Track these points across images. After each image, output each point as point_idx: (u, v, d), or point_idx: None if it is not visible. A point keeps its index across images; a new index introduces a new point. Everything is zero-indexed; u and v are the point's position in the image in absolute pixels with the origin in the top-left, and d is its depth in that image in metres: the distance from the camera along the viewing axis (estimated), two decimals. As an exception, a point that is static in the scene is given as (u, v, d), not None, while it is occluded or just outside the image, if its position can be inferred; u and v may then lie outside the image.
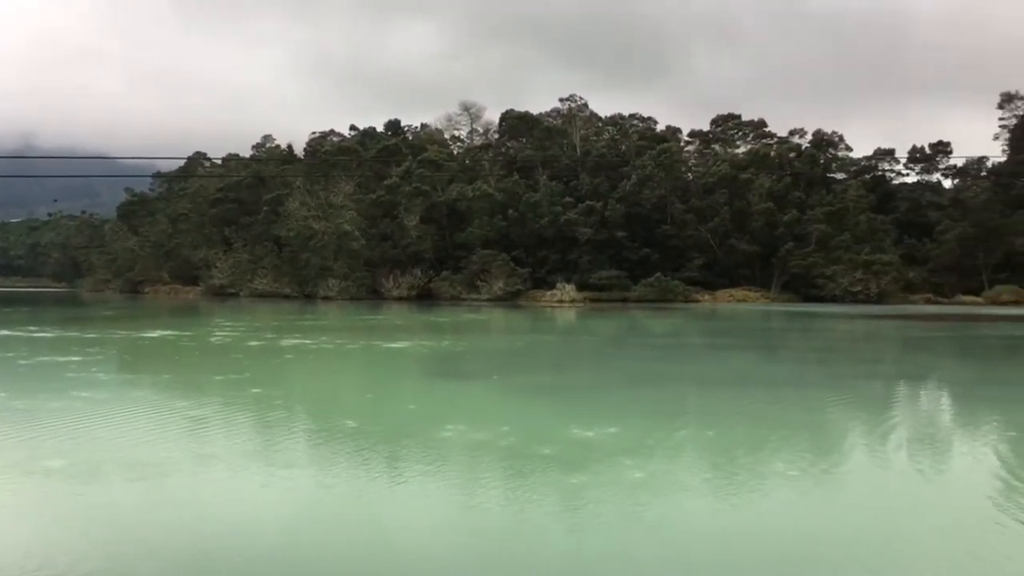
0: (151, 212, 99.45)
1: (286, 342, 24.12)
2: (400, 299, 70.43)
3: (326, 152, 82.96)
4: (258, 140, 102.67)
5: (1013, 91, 76.06)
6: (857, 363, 20.89)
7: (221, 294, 79.33)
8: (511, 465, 8.20)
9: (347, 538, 6.00)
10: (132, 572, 5.32)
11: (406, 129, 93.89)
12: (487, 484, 7.51)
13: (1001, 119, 77.33)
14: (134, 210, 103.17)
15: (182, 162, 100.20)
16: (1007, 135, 76.12)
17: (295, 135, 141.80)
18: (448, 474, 7.89)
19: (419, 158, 77.18)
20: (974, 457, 9.19)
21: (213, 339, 25.89)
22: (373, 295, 73.19)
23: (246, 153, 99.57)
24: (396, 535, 6.09)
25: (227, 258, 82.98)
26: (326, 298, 72.22)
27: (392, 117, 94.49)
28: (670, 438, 9.56)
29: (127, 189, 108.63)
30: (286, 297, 75.39)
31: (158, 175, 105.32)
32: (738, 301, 65.69)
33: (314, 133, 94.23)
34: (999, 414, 12.16)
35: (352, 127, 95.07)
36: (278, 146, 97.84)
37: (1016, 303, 60.92)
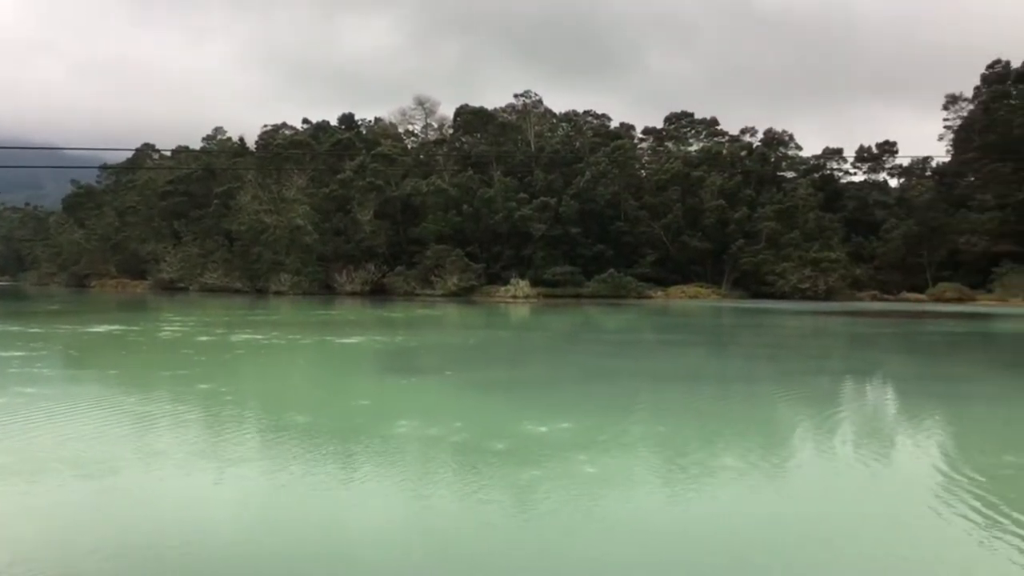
0: (98, 204, 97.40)
1: (237, 337, 23.84)
2: (353, 294, 69.97)
3: (278, 145, 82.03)
4: (209, 132, 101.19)
5: (957, 93, 77.85)
6: (806, 359, 21.24)
7: (170, 288, 78.08)
8: (464, 460, 8.22)
9: (300, 536, 5.96)
10: (81, 573, 5.24)
11: (360, 123, 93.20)
12: (440, 480, 7.52)
13: (946, 120, 79.16)
14: (80, 202, 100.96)
15: (130, 154, 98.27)
16: (951, 136, 77.92)
17: (247, 128, 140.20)
18: (401, 470, 7.88)
19: (373, 152, 76.74)
20: (917, 451, 9.42)
21: (162, 334, 25.49)
22: (326, 290, 72.64)
23: (196, 145, 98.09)
24: (349, 532, 6.07)
25: (176, 252, 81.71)
26: (278, 293, 71.48)
27: (346, 111, 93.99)
28: (623, 433, 9.65)
29: (73, 181, 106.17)
30: (237, 292, 74.46)
31: (105, 167, 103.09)
32: (690, 297, 66.40)
33: (266, 126, 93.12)
34: (941, 409, 12.47)
35: (305, 120, 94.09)
36: (229, 139, 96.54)
37: (959, 300, 62.45)
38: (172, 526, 6.17)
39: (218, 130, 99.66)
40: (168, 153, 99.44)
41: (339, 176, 75.79)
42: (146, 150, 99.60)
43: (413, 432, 9.49)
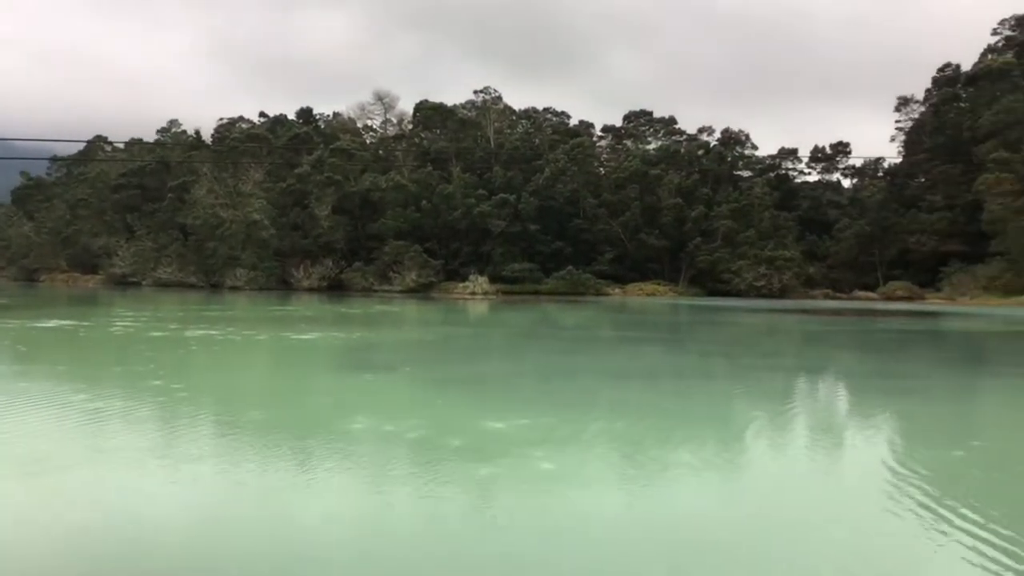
0: (48, 197, 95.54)
1: (191, 333, 23.54)
2: (311, 290, 69.45)
3: (235, 139, 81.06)
4: (163, 125, 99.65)
5: (909, 95, 79.39)
6: (760, 356, 21.54)
7: (123, 283, 76.83)
8: (421, 457, 8.21)
9: (255, 533, 5.92)
10: (27, 573, 5.15)
11: (318, 117, 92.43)
12: (397, 476, 7.51)
13: (897, 122, 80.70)
14: (30, 194, 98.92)
15: (81, 146, 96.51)
16: (902, 137, 79.45)
17: (202, 121, 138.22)
18: (357, 467, 7.85)
19: (331, 147, 76.20)
20: (867, 446, 9.61)
21: (113, 329, 25.09)
22: (283, 286, 72.02)
23: (150, 138, 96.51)
24: (305, 529, 6.04)
25: (129, 246, 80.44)
26: (234, 288, 70.69)
27: (304, 105, 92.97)
28: (580, 430, 9.71)
29: (22, 172, 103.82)
30: (192, 287, 73.52)
31: (56, 159, 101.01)
32: (647, 295, 66.93)
33: (222, 119, 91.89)
34: (891, 405, 12.73)
35: (262, 114, 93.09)
36: (184, 132, 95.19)
37: (908, 299, 63.75)
38: (124, 525, 6.09)
39: (173, 123, 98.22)
40: (121, 145, 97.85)
41: (297, 170, 75.16)
42: (98, 142, 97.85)
43: (370, 429, 9.47)
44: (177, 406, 11.04)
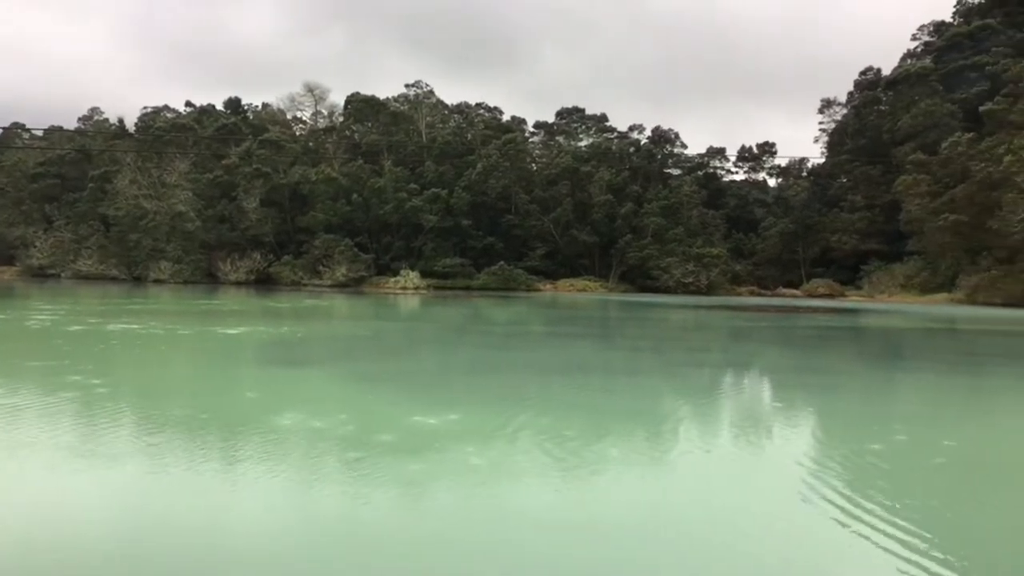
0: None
1: (112, 327, 22.91)
2: (238, 283, 68.29)
3: (159, 128, 79.10)
4: (84, 113, 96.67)
5: (832, 97, 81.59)
6: (688, 352, 21.91)
7: (40, 275, 74.43)
8: (350, 453, 8.15)
9: (178, 532, 5.81)
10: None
11: (247, 108, 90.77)
12: (325, 473, 7.45)
13: (821, 123, 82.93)
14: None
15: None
16: (825, 139, 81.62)
17: (126, 109, 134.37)
18: (285, 464, 7.76)
19: (260, 138, 74.98)
20: (788, 440, 9.86)
21: (30, 323, 24.28)
22: (209, 279, 70.68)
23: (71, 126, 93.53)
24: (230, 528, 5.95)
25: (47, 237, 77.97)
26: (158, 281, 69.10)
27: (232, 95, 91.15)
28: (509, 425, 9.75)
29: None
30: (113, 279, 71.64)
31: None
32: (578, 291, 67.50)
33: (147, 108, 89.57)
34: (812, 400, 13.09)
35: (188, 103, 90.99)
36: (106, 120, 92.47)
37: (830, 296, 65.59)
38: (40, 525, 5.91)
39: (94, 110, 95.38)
40: (40, 133, 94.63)
41: (224, 162, 73.78)
42: (15, 129, 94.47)
43: (298, 425, 9.35)
44: (97, 402, 10.74)
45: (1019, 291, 52.23)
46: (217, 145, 77.54)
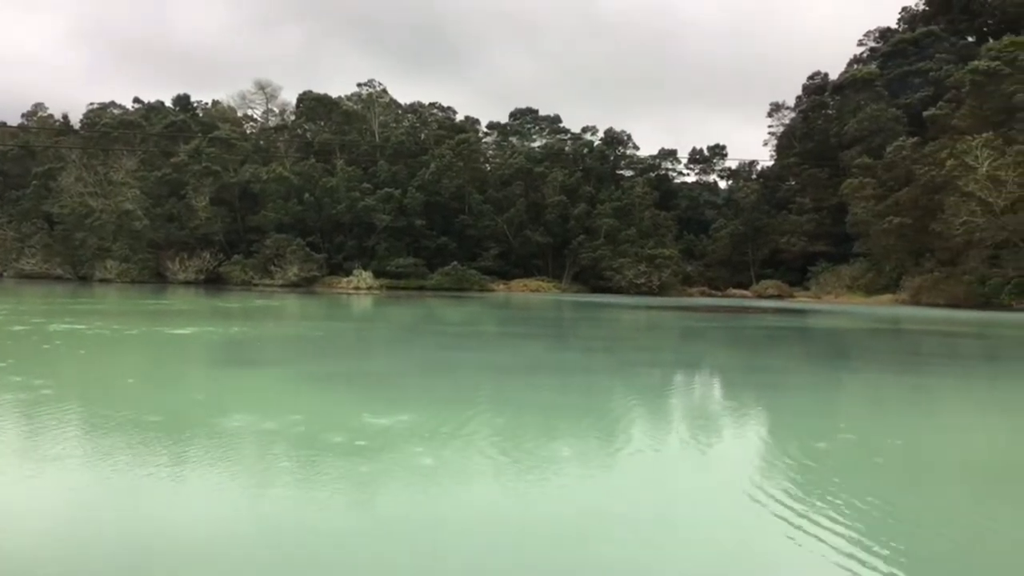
0: None
1: (56, 327, 22.43)
2: (187, 283, 67.29)
3: (106, 125, 77.56)
4: (28, 109, 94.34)
5: (781, 101, 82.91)
6: (640, 351, 22.11)
7: (-19, 275, 72.52)
8: (301, 454, 8.10)
9: (123, 536, 5.72)
10: None
11: (196, 105, 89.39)
12: (276, 474, 7.39)
13: (770, 127, 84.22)
14: None
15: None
16: (775, 142, 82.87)
17: (71, 105, 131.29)
18: (235, 465, 7.68)
19: (210, 136, 73.93)
20: (738, 440, 10.01)
21: (-29, 324, 23.66)
22: (157, 278, 69.55)
23: (13, 122, 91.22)
24: (179, 531, 5.88)
25: (-11, 235, 76.00)
26: (104, 281, 67.78)
27: (181, 92, 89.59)
28: (462, 425, 9.76)
29: None
30: (58, 279, 70.15)
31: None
32: (531, 291, 67.68)
33: (93, 104, 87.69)
34: (761, 398, 13.30)
35: (136, 100, 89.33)
36: (51, 116, 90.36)
37: (779, 296, 66.62)
38: (-19, 529, 5.79)
39: (38, 106, 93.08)
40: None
41: (173, 160, 72.64)
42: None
43: (248, 426, 9.26)
44: (40, 404, 10.52)
45: (961, 292, 53.55)
46: (166, 143, 76.29)
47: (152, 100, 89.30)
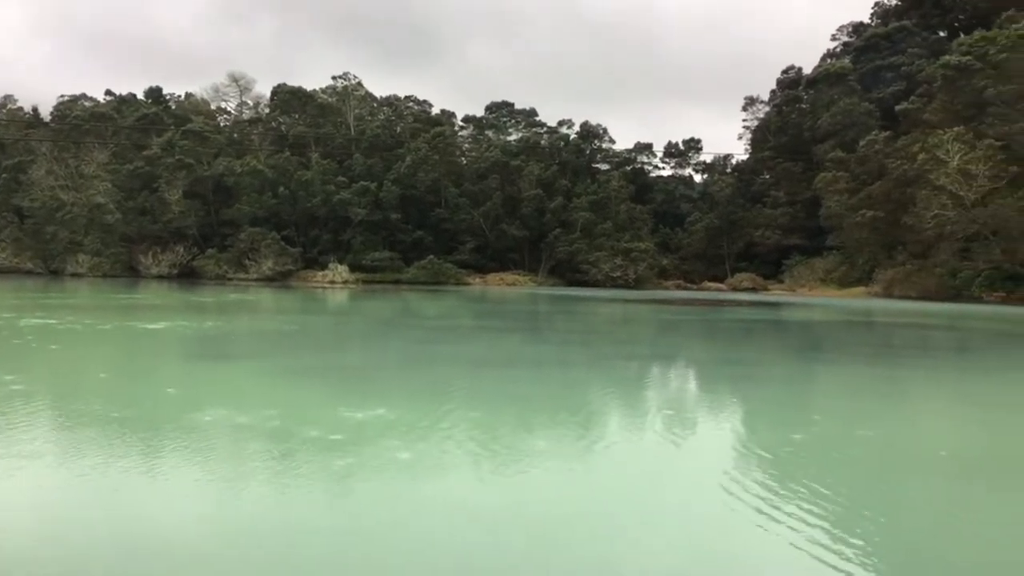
0: None
1: (26, 322, 22.15)
2: (160, 277, 66.74)
3: (77, 117, 76.60)
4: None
5: (755, 95, 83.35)
6: (616, 344, 22.16)
7: (-51, 269, 71.49)
8: (276, 449, 8.05)
9: (97, 533, 5.66)
10: None
11: (168, 97, 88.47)
12: (250, 469, 7.34)
13: (744, 121, 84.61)
14: None
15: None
16: (749, 136, 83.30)
17: (41, 97, 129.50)
18: (209, 460, 7.62)
19: (183, 129, 73.22)
20: (713, 432, 10.07)
21: (-61, 319, 23.32)
22: (130, 273, 68.89)
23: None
24: (152, 527, 5.82)
25: (-43, 229, 74.93)
26: (76, 275, 67.04)
27: (153, 84, 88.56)
28: (438, 419, 9.74)
29: None
30: (29, 273, 69.30)
31: None
32: (508, 285, 67.66)
33: (63, 96, 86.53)
34: (737, 391, 13.38)
35: (108, 92, 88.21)
36: (20, 109, 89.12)
37: (753, 289, 67.05)
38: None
39: (8, 98, 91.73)
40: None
41: (145, 152, 71.88)
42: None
43: (223, 420, 9.19)
44: (11, 400, 10.38)
45: (932, 285, 54.15)
46: (138, 135, 75.45)
47: (124, 92, 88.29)
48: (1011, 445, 9.63)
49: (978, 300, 50.51)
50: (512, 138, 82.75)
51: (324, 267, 66.66)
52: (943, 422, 11.11)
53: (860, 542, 5.62)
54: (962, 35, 62.31)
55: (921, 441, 9.71)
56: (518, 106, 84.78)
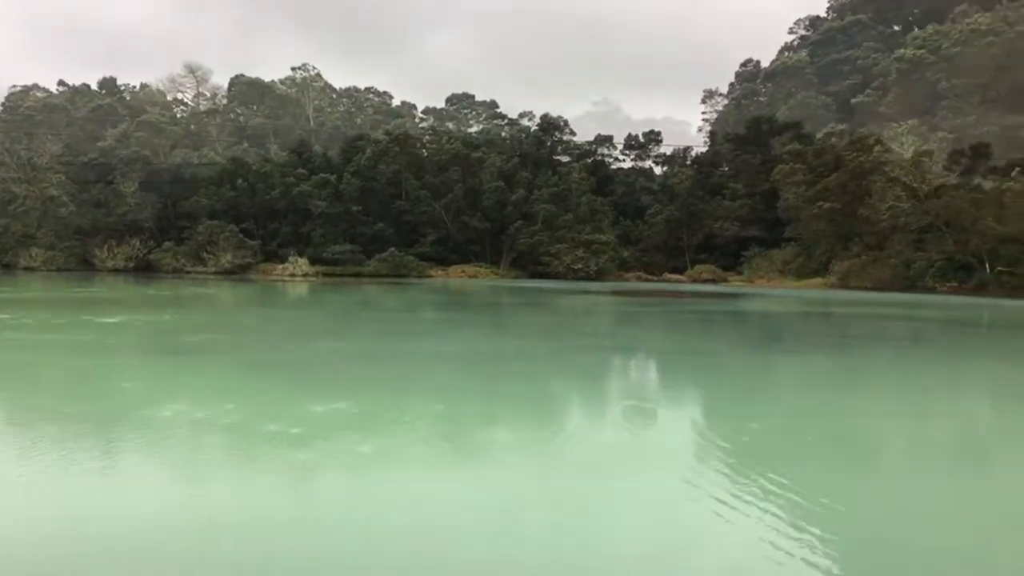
0: None
1: (-22, 318, 21.71)
2: (116, 271, 65.68)
3: (29, 108, 75.00)
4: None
5: (714, 88, 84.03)
6: (578, 336, 22.25)
7: None
8: (236, 443, 7.99)
9: (52, 532, 5.58)
10: None
11: (123, 88, 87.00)
12: (209, 464, 7.28)
13: (703, 113, 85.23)
14: None
15: None
16: (709, 128, 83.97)
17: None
18: (167, 456, 7.54)
19: (138, 120, 72.05)
20: (674, 422, 10.18)
21: None
22: (84, 266, 67.68)
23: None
24: (108, 525, 5.76)
25: (-96, 223, 73.05)
26: (28, 269, 65.73)
27: (107, 74, 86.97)
28: (399, 413, 9.73)
29: None
30: (-21, 268, 67.71)
31: None
32: (469, 277, 67.54)
33: (15, 87, 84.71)
34: (696, 381, 13.52)
35: (61, 82, 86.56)
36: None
37: (713, 280, 67.66)
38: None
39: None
40: None
41: (100, 144, 70.59)
42: None
43: (180, 416, 9.10)
44: (-39, 397, 10.19)
45: (887, 275, 55.06)
46: (92, 126, 74.14)
47: (77, 83, 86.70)
48: (959, 430, 9.86)
49: (931, 290, 51.48)
50: (473, 130, 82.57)
51: (284, 260, 66.07)
52: (899, 410, 11.33)
53: (817, 530, 5.73)
54: (916, 29, 63.41)
55: (877, 429, 9.89)
56: (479, 98, 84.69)
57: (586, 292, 46.95)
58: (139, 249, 68.50)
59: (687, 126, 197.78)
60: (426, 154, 78.70)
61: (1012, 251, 49.66)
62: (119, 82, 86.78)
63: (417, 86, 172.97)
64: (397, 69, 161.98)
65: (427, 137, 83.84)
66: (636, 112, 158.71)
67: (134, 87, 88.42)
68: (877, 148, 55.77)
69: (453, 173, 72.51)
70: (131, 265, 67.75)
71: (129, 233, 68.88)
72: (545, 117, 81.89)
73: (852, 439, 9.12)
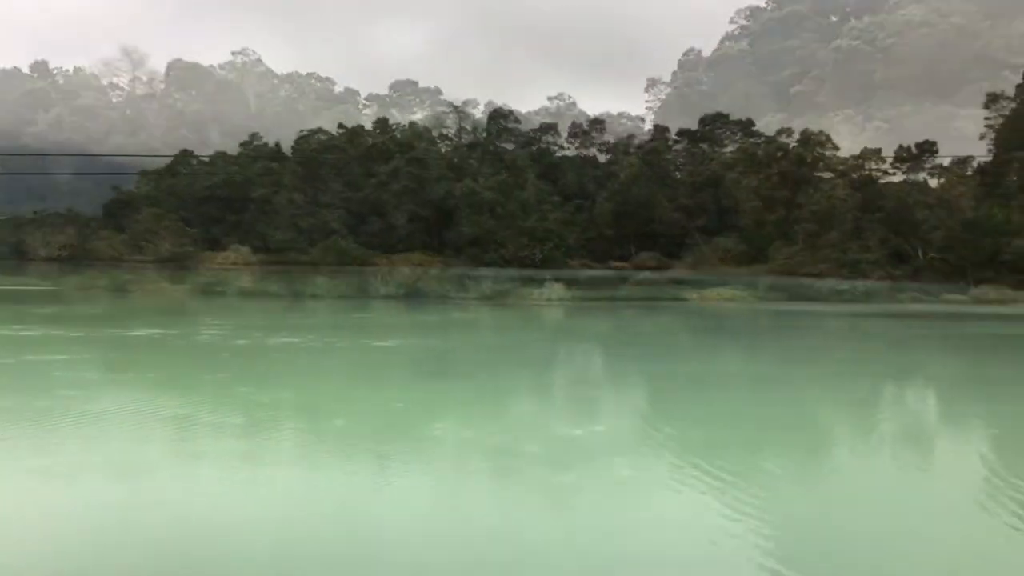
0: None
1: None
2: (50, 260, 64.09)
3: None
4: None
5: (657, 76, 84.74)
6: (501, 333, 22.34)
7: None
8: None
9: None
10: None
11: (56, 72, 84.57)
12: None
13: (647, 102, 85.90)
14: None
15: None
16: (652, 116, 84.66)
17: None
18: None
19: (72, 105, 70.19)
20: (617, 415, 10.33)
21: None
22: (17, 255, 65.84)
23: None
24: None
25: None
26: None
27: (38, 57, 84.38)
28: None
29: None
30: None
31: None
32: (416, 265, 67.09)
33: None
34: (639, 385, 13.71)
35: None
36: None
37: (657, 268, 68.34)
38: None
39: None
40: None
41: (31, 130, 68.64)
42: None
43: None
44: None
45: (825, 264, 56.09)
46: (23, 112, 71.97)
47: (6, 66, 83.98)
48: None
49: (866, 278, 52.55)
50: (417, 117, 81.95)
51: (225, 249, 64.86)
52: (839, 398, 11.61)
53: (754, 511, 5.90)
54: (853, 20, 64.69)
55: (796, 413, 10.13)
56: (422, 85, 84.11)
57: (533, 280, 47.08)
58: (74, 237, 66.76)
59: (642, 121, 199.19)
60: (371, 142, 77.96)
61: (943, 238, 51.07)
62: (52, 65, 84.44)
63: (361, 72, 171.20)
64: (340, 54, 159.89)
65: (371, 124, 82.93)
66: (592, 107, 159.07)
67: (67, 71, 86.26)
68: (815, 138, 56.76)
69: (398, 161, 71.93)
70: (65, 254, 66.02)
71: (64, 221, 67.09)
72: (489, 104, 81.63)
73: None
